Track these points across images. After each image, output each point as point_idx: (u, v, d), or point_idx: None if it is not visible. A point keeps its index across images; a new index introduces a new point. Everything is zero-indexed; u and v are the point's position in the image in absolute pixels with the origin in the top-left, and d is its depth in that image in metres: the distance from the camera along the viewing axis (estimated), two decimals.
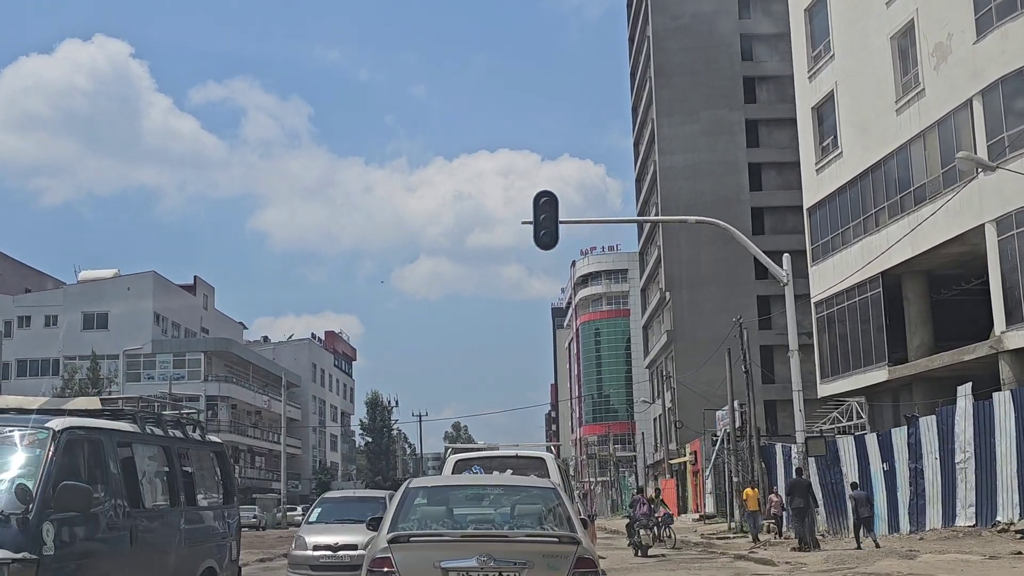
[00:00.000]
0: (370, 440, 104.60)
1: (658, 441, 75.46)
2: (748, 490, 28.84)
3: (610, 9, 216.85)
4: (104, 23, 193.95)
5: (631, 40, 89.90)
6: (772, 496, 26.71)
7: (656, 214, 73.34)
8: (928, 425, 26.39)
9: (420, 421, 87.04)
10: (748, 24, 72.84)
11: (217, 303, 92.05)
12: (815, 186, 35.92)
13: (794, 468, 33.20)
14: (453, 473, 13.62)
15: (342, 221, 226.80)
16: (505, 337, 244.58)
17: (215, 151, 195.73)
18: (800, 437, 23.43)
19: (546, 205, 22.73)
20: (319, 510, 18.78)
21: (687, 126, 72.61)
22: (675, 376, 59.72)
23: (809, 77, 36.13)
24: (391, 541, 7.40)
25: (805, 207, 36.88)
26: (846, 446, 30.92)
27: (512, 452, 14.92)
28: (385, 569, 7.25)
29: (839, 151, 34.00)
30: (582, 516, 10.77)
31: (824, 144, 35.43)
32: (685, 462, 56.82)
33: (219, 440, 12.86)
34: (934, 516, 26.25)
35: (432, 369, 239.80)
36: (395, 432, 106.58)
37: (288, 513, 63.71)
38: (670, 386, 58.91)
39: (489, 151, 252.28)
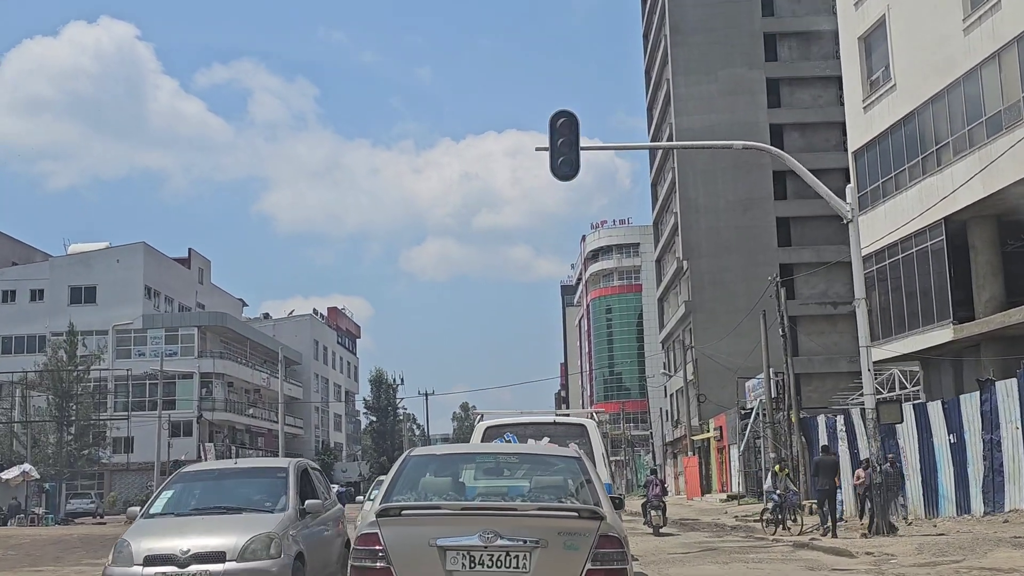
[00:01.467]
0: (374, 419, 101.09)
1: (677, 417, 71.86)
2: None
3: None
4: (110, 5, 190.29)
5: None
6: (859, 472, 22.40)
7: (672, 178, 69.82)
8: (1007, 390, 22.67)
9: (426, 399, 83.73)
10: None
11: (224, 285, 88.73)
12: (863, 126, 31.99)
13: (820, 445, 29.76)
14: (483, 442, 12.31)
15: (348, 203, 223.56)
16: (513, 318, 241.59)
17: (221, 134, 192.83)
18: (870, 402, 19.64)
19: (564, 127, 19.00)
20: (170, 494, 11.39)
21: (704, 86, 68.93)
22: (696, 346, 55.96)
23: (855, 3, 32.16)
24: (380, 515, 6.56)
25: (850, 150, 32.95)
26: (904, 416, 27.12)
27: (549, 418, 13.80)
28: (372, 547, 6.45)
29: (891, 83, 30.05)
30: (614, 495, 9.33)
31: (873, 78, 31.48)
32: (709, 438, 53.07)
33: None
34: (1015, 494, 22.56)
35: (440, 351, 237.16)
36: (401, 411, 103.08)
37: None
38: (691, 357, 55.13)
39: (497, 132, 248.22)
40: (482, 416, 14.52)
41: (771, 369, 35.25)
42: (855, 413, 29.42)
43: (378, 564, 6.39)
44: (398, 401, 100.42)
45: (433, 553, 6.33)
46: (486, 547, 6.30)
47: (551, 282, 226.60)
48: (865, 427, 22.35)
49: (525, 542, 6.31)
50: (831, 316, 64.46)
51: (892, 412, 20.29)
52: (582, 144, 19.18)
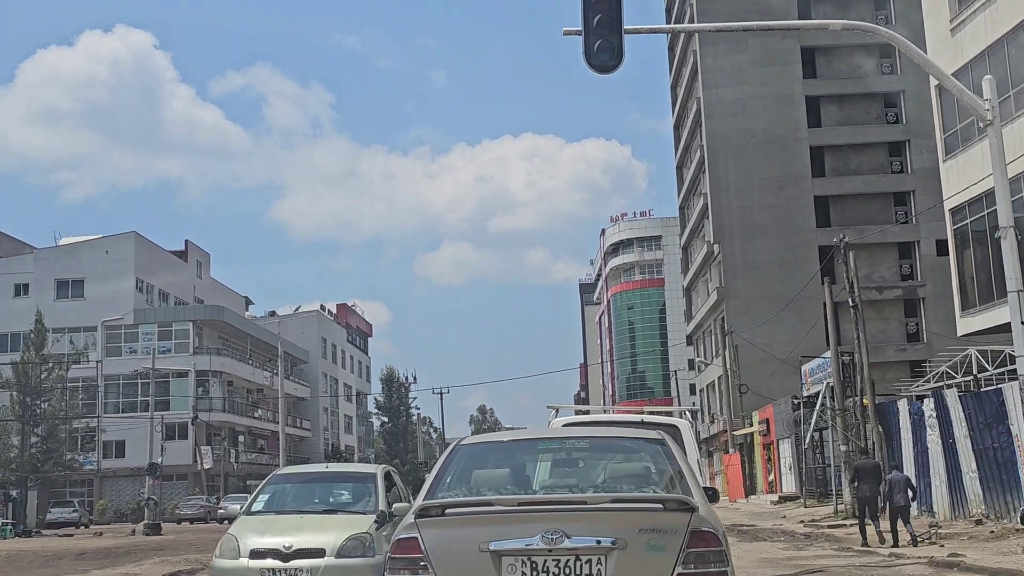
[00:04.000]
0: (386, 420, 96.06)
1: (709, 411, 66.71)
2: None
3: None
4: (125, 14, 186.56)
5: None
6: None
7: (701, 156, 64.87)
8: None
9: (441, 397, 78.76)
10: None
11: (240, 291, 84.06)
12: (950, 51, 26.79)
13: (860, 449, 25.00)
14: None
15: (364, 209, 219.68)
16: (532, 322, 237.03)
17: (238, 141, 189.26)
18: None
19: (602, 2, 14.00)
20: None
21: (734, 56, 64.05)
22: (736, 332, 50.82)
23: None
24: (419, 515, 5.48)
25: (933, 84, 27.80)
26: (1015, 397, 21.99)
27: (637, 417, 12.77)
28: (411, 555, 5.35)
29: None
30: (708, 487, 6.89)
31: None
32: (753, 433, 47.83)
33: None
34: None
35: (458, 355, 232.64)
36: (414, 412, 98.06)
37: None
38: (730, 343, 49.97)
39: (513, 136, 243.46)
40: (557, 412, 13.24)
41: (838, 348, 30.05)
42: (950, 395, 24.30)
43: (419, 575, 5.31)
44: (411, 400, 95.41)
45: (486, 560, 5.27)
46: (551, 550, 5.22)
47: (569, 285, 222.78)
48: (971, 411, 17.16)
49: (599, 543, 5.22)
50: (876, 302, 59.35)
51: None
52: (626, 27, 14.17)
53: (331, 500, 11.97)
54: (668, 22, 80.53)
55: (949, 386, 33.44)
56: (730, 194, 62.05)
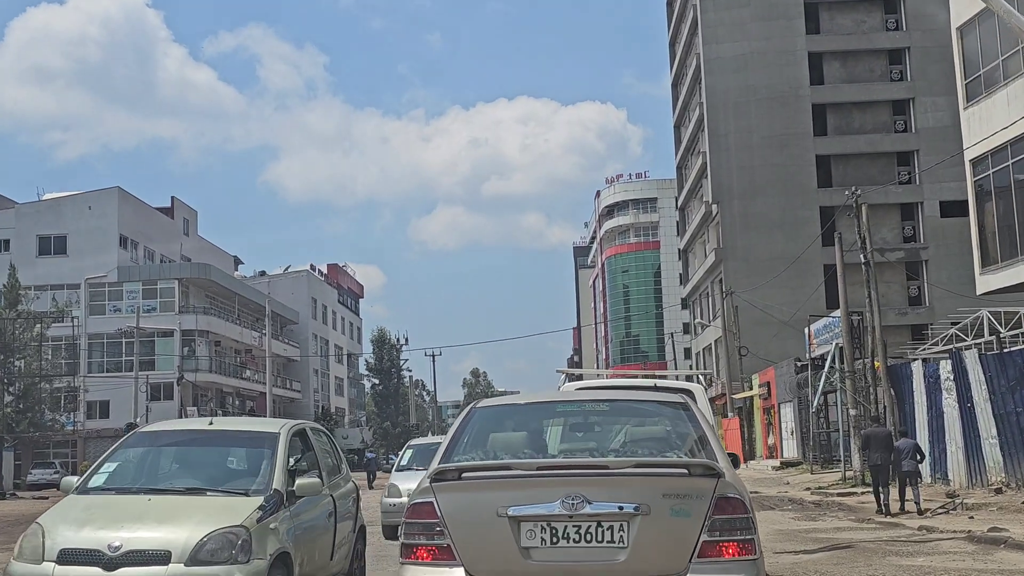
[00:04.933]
0: (377, 382, 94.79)
1: (706, 375, 65.53)
2: None
3: None
4: None
5: None
6: None
7: (700, 114, 63.29)
8: None
9: (433, 359, 77.48)
10: None
11: (226, 248, 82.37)
12: None
13: (871, 416, 23.76)
14: None
15: (358, 173, 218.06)
16: (526, 286, 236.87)
17: (232, 103, 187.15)
18: None
19: None
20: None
21: (735, 10, 62.47)
22: (736, 292, 49.43)
23: None
24: (434, 479, 5.39)
25: (954, 26, 26.21)
26: None
27: (649, 382, 12.50)
28: (427, 520, 5.26)
29: None
30: (729, 452, 6.62)
31: None
32: (753, 396, 46.58)
33: None
34: None
35: (452, 319, 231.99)
36: (406, 373, 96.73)
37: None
38: (731, 304, 48.60)
39: (508, 99, 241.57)
40: (567, 377, 13.28)
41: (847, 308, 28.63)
42: (969, 356, 22.92)
43: (435, 541, 5.21)
44: (402, 363, 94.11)
45: (503, 525, 5.12)
46: (571, 516, 5.08)
47: (564, 249, 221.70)
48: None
49: (621, 508, 5.08)
50: (877, 264, 57.28)
51: None
52: None
53: (208, 473, 8.15)
54: None
55: (959, 348, 32.18)
56: (730, 153, 60.64)
